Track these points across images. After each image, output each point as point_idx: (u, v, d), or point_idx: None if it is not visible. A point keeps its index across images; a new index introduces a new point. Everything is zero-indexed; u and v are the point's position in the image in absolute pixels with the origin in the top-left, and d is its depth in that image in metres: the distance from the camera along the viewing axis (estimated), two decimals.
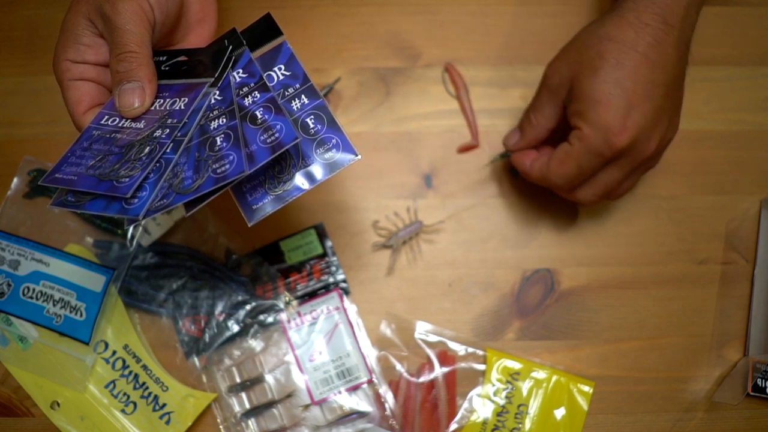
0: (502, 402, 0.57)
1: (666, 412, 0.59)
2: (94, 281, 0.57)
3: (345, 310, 0.58)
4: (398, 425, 0.57)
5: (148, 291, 0.58)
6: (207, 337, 0.58)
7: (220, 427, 0.57)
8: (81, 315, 0.56)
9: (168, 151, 0.41)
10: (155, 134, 0.42)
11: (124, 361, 0.57)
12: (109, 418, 0.56)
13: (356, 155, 0.42)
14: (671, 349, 0.60)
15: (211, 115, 0.43)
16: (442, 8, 0.64)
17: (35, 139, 0.61)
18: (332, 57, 0.63)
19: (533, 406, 0.57)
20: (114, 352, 0.57)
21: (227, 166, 0.40)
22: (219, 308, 0.58)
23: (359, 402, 0.57)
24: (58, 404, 0.56)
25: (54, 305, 0.56)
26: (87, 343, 0.56)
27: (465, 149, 0.62)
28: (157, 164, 0.41)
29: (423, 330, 0.59)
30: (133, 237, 0.58)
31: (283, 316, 0.58)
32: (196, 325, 0.58)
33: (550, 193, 0.62)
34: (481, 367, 0.58)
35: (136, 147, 0.42)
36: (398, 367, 0.58)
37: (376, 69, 0.63)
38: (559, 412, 0.57)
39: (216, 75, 0.44)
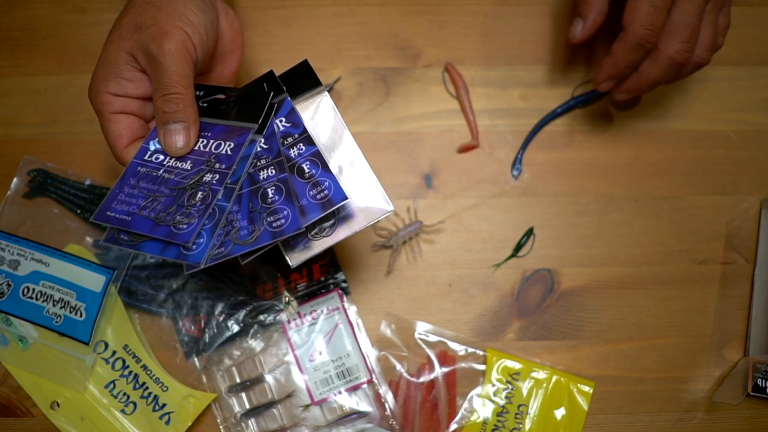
0: (502, 402, 0.57)
1: (666, 412, 0.59)
2: (94, 281, 0.57)
3: (345, 310, 0.58)
4: (398, 425, 0.57)
5: (148, 291, 0.58)
6: (207, 337, 0.58)
7: (220, 427, 0.57)
8: (81, 315, 0.56)
9: (220, 198, 0.43)
10: (205, 179, 0.44)
11: (124, 361, 0.57)
12: (109, 418, 0.56)
13: (390, 208, 0.45)
14: (671, 349, 0.60)
15: (258, 163, 0.44)
16: (442, 8, 0.64)
17: (35, 139, 0.61)
18: (332, 57, 0.63)
19: (533, 407, 0.57)
20: (114, 352, 0.57)
21: (282, 221, 0.42)
22: (219, 308, 0.58)
23: (359, 402, 0.57)
24: (58, 404, 0.56)
25: (54, 305, 0.56)
26: (87, 343, 0.56)
27: (465, 149, 0.62)
28: (211, 211, 0.43)
29: (423, 330, 0.59)
30: None
31: (283, 316, 0.58)
32: (196, 325, 0.58)
33: (550, 193, 0.62)
34: (481, 367, 0.58)
35: (188, 191, 0.43)
36: (398, 367, 0.58)
37: (376, 69, 0.63)
38: (559, 412, 0.57)
39: (260, 122, 0.45)
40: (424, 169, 0.62)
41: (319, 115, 0.47)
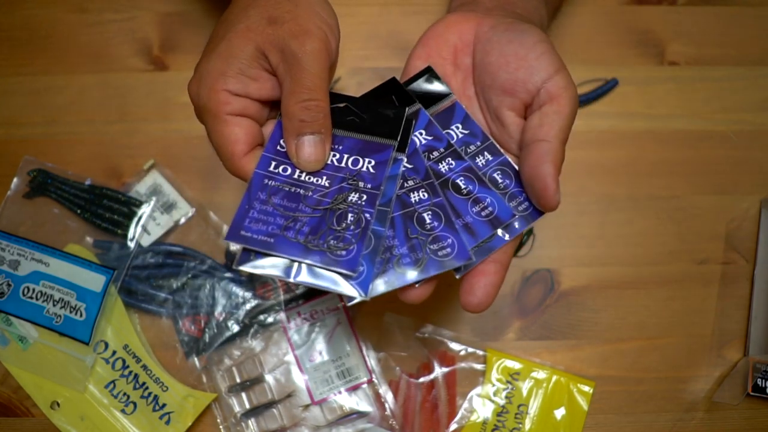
0: (502, 402, 0.57)
1: (666, 412, 0.59)
2: (94, 281, 0.57)
3: (345, 310, 0.58)
4: (398, 425, 0.57)
5: (148, 291, 0.58)
6: (207, 337, 0.58)
7: (220, 427, 0.57)
8: (81, 315, 0.56)
9: (374, 221, 0.39)
10: (351, 199, 0.39)
11: (124, 361, 0.57)
12: (109, 418, 0.56)
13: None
14: (671, 349, 0.60)
15: (405, 184, 0.41)
16: (442, 8, 0.64)
17: (35, 139, 0.61)
18: None
19: (533, 406, 0.57)
20: (114, 352, 0.57)
21: (449, 250, 0.39)
22: (219, 308, 0.58)
23: (359, 402, 0.57)
24: (58, 404, 0.56)
25: (54, 305, 0.56)
26: (87, 343, 0.56)
27: None
28: (369, 236, 0.39)
29: (423, 330, 0.59)
30: (133, 237, 0.58)
31: (283, 316, 0.58)
32: (196, 325, 0.58)
33: None
34: (481, 367, 0.58)
35: (336, 213, 0.39)
36: (398, 367, 0.58)
37: (376, 69, 0.63)
38: (559, 412, 0.57)
39: (399, 138, 0.41)
40: None
41: (455, 122, 0.43)
